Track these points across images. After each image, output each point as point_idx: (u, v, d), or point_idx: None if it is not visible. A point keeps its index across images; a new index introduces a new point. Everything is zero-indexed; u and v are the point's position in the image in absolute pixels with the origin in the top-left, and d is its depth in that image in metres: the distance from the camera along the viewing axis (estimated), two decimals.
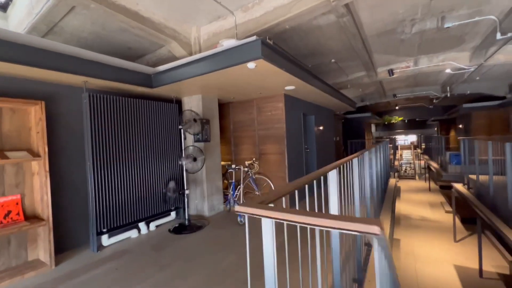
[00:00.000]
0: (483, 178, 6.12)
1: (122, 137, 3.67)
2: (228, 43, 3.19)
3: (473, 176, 6.74)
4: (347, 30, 4.96)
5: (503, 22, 4.89)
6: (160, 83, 3.88)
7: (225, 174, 5.46)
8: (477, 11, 4.83)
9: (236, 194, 4.66)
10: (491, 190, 5.29)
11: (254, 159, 4.95)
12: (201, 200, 4.67)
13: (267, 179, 4.99)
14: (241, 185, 4.28)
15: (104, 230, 3.42)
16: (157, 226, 4.21)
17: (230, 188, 4.77)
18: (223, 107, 5.66)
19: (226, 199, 5.11)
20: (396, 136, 27.24)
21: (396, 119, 17.82)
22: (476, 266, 6.42)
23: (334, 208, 1.56)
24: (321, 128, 7.04)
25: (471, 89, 11.45)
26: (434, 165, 12.29)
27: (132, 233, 3.82)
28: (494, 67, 7.69)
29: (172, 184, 4.18)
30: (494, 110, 11.93)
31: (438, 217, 10.29)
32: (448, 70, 7.87)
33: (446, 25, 5.26)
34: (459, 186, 7.70)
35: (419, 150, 21.88)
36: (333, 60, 7.12)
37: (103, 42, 4.79)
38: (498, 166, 4.92)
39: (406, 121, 23.59)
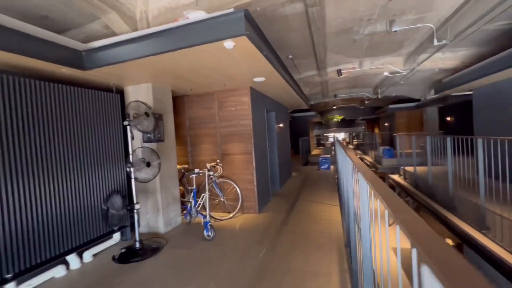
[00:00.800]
0: (420, 169, 6.93)
1: (39, 136, 2.56)
2: (196, 15, 2.51)
3: (409, 168, 7.58)
4: (313, 22, 4.79)
5: (438, 30, 5.50)
6: (95, 64, 2.89)
7: (181, 180, 4.65)
8: (421, 17, 5.29)
9: (199, 203, 3.95)
10: (429, 180, 5.94)
11: (218, 160, 4.31)
12: (154, 214, 3.79)
13: (232, 183, 4.42)
14: (206, 192, 3.61)
15: (9, 276, 2.30)
16: (95, 255, 3.18)
17: (190, 196, 4.03)
18: (177, 101, 4.81)
19: (184, 209, 4.34)
20: (329, 134, 30.02)
21: (337, 117, 19.37)
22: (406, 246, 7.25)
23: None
24: (281, 125, 6.82)
25: (396, 92, 13.15)
26: (368, 159, 13.69)
27: (57, 271, 2.74)
28: (417, 73, 8.80)
29: (116, 198, 3.21)
30: (412, 110, 14.02)
31: (375, 204, 11.48)
32: (385, 73, 8.72)
33: (394, 29, 5.64)
34: (395, 177, 8.59)
35: (351, 146, 24.45)
36: (290, 56, 6.99)
37: (3, 3, 3.38)
38: (422, 157, 5.52)
39: (339, 120, 26.03)
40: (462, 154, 6.78)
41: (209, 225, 3.48)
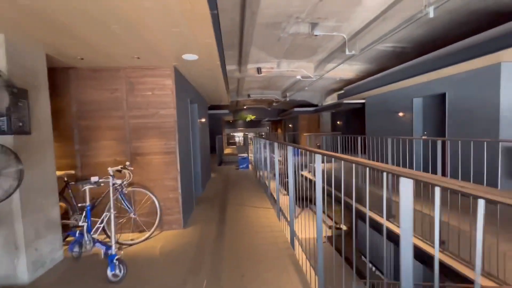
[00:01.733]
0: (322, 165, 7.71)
1: None
2: None
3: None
4: (250, 5, 4.27)
5: (349, 41, 6.13)
6: None
7: (63, 193, 3.12)
8: (338, 26, 5.71)
9: (98, 227, 2.68)
10: (332, 175, 6.59)
11: (126, 163, 3.10)
12: (10, 255, 2.27)
13: (147, 192, 3.31)
14: (112, 210, 2.43)
15: None
16: None
17: (81, 217, 2.69)
18: (57, 75, 3.20)
19: (69, 237, 2.89)
20: (237, 133, 30.89)
21: (250, 117, 19.78)
22: (311, 236, 8.02)
23: None
24: (203, 120, 5.96)
25: (300, 97, 14.59)
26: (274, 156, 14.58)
27: None
28: (320, 80, 9.85)
29: None
30: (311, 114, 15.94)
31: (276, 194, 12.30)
32: (298, 76, 9.31)
33: (315, 33, 5.89)
34: (305, 173, 9.31)
35: None
36: None
37: None
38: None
39: (251, 120, 26.97)
40: (354, 152, 7.94)
41: (116, 259, 2.35)
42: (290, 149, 3.17)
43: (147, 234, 3.25)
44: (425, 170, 4.69)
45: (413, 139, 5.47)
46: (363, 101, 11.30)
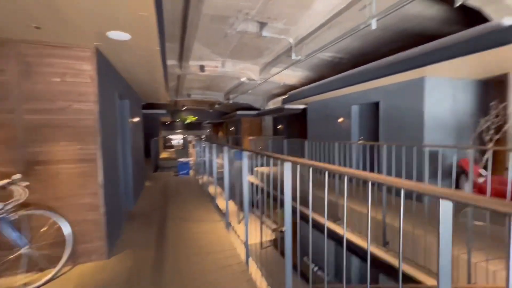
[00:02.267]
0: (266, 169, 7.64)
1: None
2: None
3: (259, 168, 8.21)
4: None
5: (296, 46, 6.18)
6: None
7: None
8: (287, 29, 5.67)
9: None
10: (279, 177, 6.56)
11: (17, 176, 2.16)
12: None
13: (52, 215, 2.41)
14: None
15: None
16: None
17: None
18: None
19: None
20: (175, 136, 28.95)
21: (191, 118, 18.54)
22: (256, 241, 7.89)
23: None
24: (136, 120, 5.03)
25: (243, 100, 14.46)
26: (219, 161, 14.05)
27: None
28: (263, 84, 9.88)
29: None
30: (254, 118, 16.00)
31: (221, 203, 11.83)
32: (243, 79, 9.07)
33: (263, 34, 5.72)
34: (250, 178, 9.10)
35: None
36: None
37: None
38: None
39: (185, 122, 25.49)
40: (300, 155, 8.14)
41: None
42: (244, 155, 2.79)
43: (52, 273, 2.35)
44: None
45: (351, 143, 5.82)
46: (303, 106, 11.88)
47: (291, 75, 9.30)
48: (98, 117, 2.62)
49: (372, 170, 5.41)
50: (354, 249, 4.00)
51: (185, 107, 19.33)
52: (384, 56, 5.03)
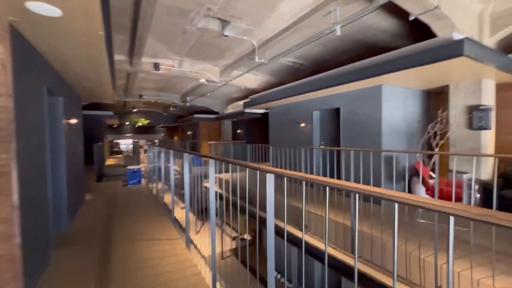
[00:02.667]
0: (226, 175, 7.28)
1: None
2: None
3: (222, 175, 7.80)
4: None
5: (259, 49, 6.02)
6: None
7: None
8: (250, 30, 5.46)
9: None
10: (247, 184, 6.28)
11: None
12: None
13: None
14: None
15: None
16: None
17: None
18: None
19: None
20: (124, 140, 26.44)
21: (143, 121, 16.96)
22: (217, 251, 7.46)
23: None
24: (73, 122, 4.16)
25: (201, 103, 13.83)
26: (176, 167, 13.12)
27: None
28: (223, 87, 9.55)
29: None
30: (212, 122, 15.45)
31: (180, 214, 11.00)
32: (202, 80, 8.58)
33: (226, 33, 5.42)
34: (207, 184, 8.59)
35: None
36: None
37: None
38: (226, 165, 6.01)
39: (135, 125, 23.47)
40: (264, 160, 7.99)
41: None
42: (212, 163, 2.43)
43: None
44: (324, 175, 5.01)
45: (313, 148, 5.85)
46: (264, 111, 11.85)
47: (252, 79, 9.16)
48: (12, 116, 1.97)
49: (333, 174, 5.50)
50: (317, 254, 3.92)
51: (136, 109, 17.73)
52: (341, 65, 5.19)
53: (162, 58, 7.22)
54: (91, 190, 6.29)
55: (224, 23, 5.23)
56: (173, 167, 4.27)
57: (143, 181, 7.43)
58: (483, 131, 4.35)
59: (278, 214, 4.78)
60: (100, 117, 12.32)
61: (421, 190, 4.48)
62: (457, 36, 3.23)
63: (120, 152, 23.49)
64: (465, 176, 4.44)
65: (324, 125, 6.33)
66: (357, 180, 4.08)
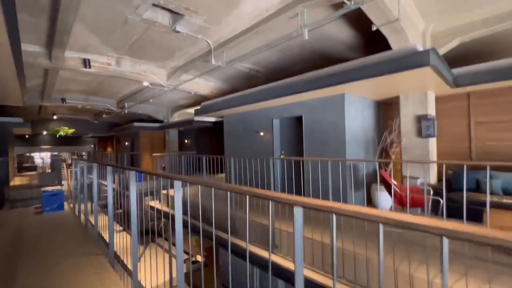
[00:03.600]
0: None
1: None
2: None
3: (169, 191, 6.83)
4: None
5: (215, 51, 5.46)
6: None
7: None
8: (206, 28, 4.89)
9: None
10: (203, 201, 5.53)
11: None
12: None
13: None
14: None
15: None
16: None
17: None
18: None
19: None
20: (39, 153, 21.77)
21: (66, 130, 14.04)
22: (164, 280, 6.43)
23: None
24: None
25: (142, 110, 12.30)
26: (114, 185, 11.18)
27: None
28: (169, 92, 8.62)
29: None
30: (155, 131, 13.93)
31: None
32: (146, 83, 7.48)
33: (178, 28, 4.73)
34: (153, 203, 7.45)
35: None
36: None
37: None
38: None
39: (57, 135, 19.64)
40: (218, 172, 7.31)
41: None
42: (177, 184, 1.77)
43: None
44: (287, 187, 4.71)
45: (274, 159, 5.54)
46: (214, 119, 11.18)
47: (203, 85, 8.48)
48: None
49: (296, 185, 5.25)
50: (279, 272, 3.52)
51: (57, 116, 14.73)
52: (296, 74, 5.09)
53: (94, 53, 5.97)
54: None
55: (176, 16, 4.55)
56: (111, 186, 3.29)
57: (66, 204, 5.84)
58: (430, 139, 4.72)
59: (241, 232, 4.23)
60: (4, 125, 9.67)
61: (383, 197, 4.56)
62: (419, 47, 3.35)
63: (34, 168, 19.22)
64: (418, 181, 4.72)
65: (284, 134, 6.11)
66: (324, 191, 3.95)
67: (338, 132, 4.73)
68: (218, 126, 11.90)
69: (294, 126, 5.93)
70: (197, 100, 10.77)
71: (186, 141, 14.20)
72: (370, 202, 5.08)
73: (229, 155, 7.32)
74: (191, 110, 12.84)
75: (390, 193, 4.03)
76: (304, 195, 4.72)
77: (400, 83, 4.29)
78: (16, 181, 10.73)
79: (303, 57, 6.30)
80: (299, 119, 5.59)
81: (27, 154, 21.44)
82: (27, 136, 18.73)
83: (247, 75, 7.67)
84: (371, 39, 5.20)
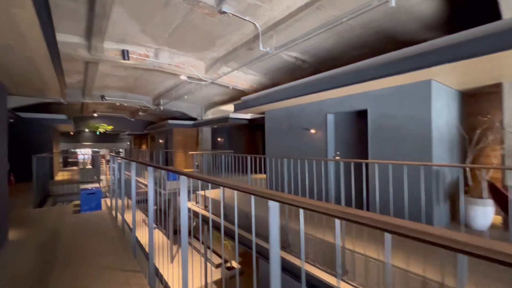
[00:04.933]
0: (215, 192, 5.81)
1: None
2: None
3: (206, 192, 6.29)
4: None
5: (263, 35, 4.76)
6: None
7: None
8: (257, 7, 4.20)
9: None
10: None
11: None
12: None
13: None
14: None
15: None
16: None
17: None
18: None
19: None
20: (82, 150, 23.01)
21: (105, 127, 14.49)
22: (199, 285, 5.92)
23: None
24: None
25: (176, 107, 12.08)
26: (143, 181, 11.13)
27: None
28: (205, 88, 8.11)
29: None
30: (189, 128, 13.72)
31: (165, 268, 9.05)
32: (183, 77, 7.05)
33: (224, 8, 4.11)
34: (190, 204, 6.99)
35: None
36: None
37: None
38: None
39: (97, 132, 20.49)
40: (253, 171, 6.62)
41: None
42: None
43: None
44: (345, 198, 3.83)
45: (329, 160, 4.69)
46: (250, 116, 10.55)
47: (242, 78, 7.86)
48: None
49: (355, 195, 4.36)
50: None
51: (98, 114, 15.26)
52: (351, 62, 4.18)
53: (132, 44, 5.61)
54: (21, 224, 4.35)
55: None
56: (152, 190, 2.72)
57: (104, 204, 5.58)
58: None
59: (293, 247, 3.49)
60: (50, 122, 9.97)
61: (481, 212, 3.51)
62: None
63: (77, 163, 20.35)
64: None
65: (340, 131, 5.22)
66: (397, 203, 2.99)
67: (421, 130, 3.75)
68: (254, 124, 11.28)
69: (354, 122, 5.02)
70: (233, 96, 10.23)
71: (219, 139, 13.81)
72: (454, 218, 4.03)
73: (271, 154, 6.60)
74: (225, 108, 12.38)
75: (502, 209, 3.01)
76: (368, 208, 3.81)
77: (506, 66, 3.21)
78: (60, 176, 11.11)
79: (362, 42, 5.35)
80: (361, 114, 4.67)
81: (72, 150, 22.83)
82: (71, 133, 19.88)
83: (291, 66, 6.88)
84: (457, 14, 4.11)
